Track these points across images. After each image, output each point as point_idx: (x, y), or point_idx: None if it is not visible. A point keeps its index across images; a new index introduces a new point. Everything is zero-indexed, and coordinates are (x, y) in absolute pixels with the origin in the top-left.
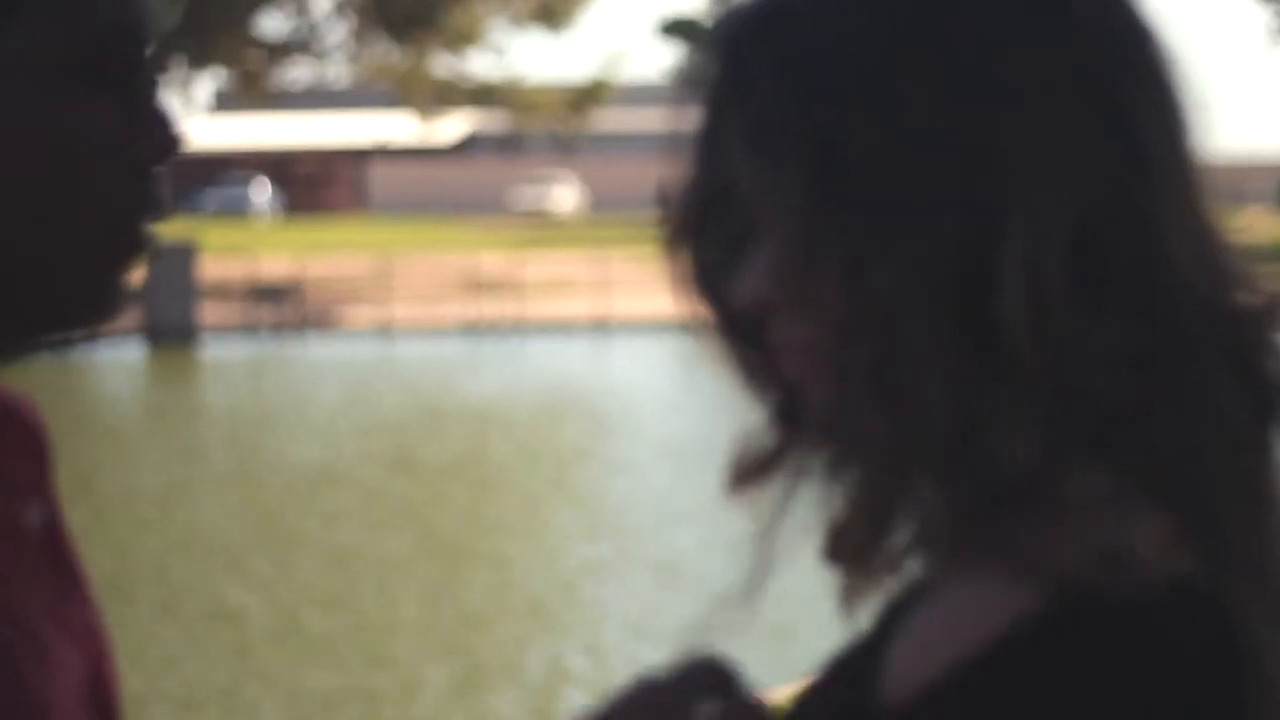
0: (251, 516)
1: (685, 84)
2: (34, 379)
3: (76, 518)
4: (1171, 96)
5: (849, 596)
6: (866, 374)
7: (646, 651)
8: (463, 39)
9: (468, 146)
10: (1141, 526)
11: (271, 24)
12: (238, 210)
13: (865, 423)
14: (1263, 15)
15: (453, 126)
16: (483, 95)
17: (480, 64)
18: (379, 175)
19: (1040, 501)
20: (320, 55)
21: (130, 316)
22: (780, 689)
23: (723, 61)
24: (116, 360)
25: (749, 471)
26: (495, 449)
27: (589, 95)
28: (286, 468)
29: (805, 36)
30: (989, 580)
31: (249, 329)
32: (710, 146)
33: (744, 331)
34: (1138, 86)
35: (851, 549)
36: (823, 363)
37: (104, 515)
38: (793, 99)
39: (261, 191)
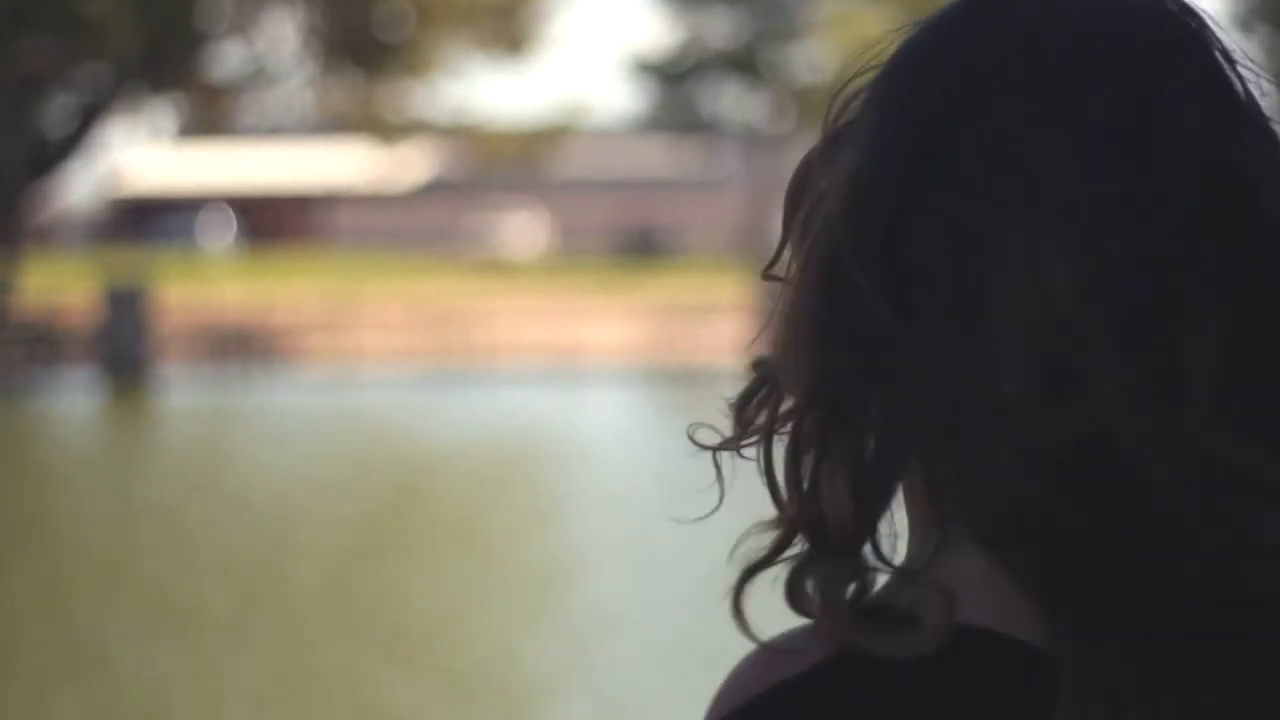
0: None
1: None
2: None
3: (22, 559)
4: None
5: None
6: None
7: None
8: (426, 67)
9: (432, 186)
10: (941, 582)
11: (234, 55)
12: (198, 243)
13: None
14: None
15: (415, 165)
16: (446, 128)
17: (444, 95)
18: (342, 208)
19: (846, 556)
20: (283, 87)
21: (88, 355)
22: None
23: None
24: (71, 401)
25: (755, 571)
26: (419, 505)
27: (550, 137)
28: (203, 517)
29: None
30: (800, 631)
31: (207, 366)
32: None
33: None
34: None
35: None
36: None
37: (48, 556)
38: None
39: (223, 224)
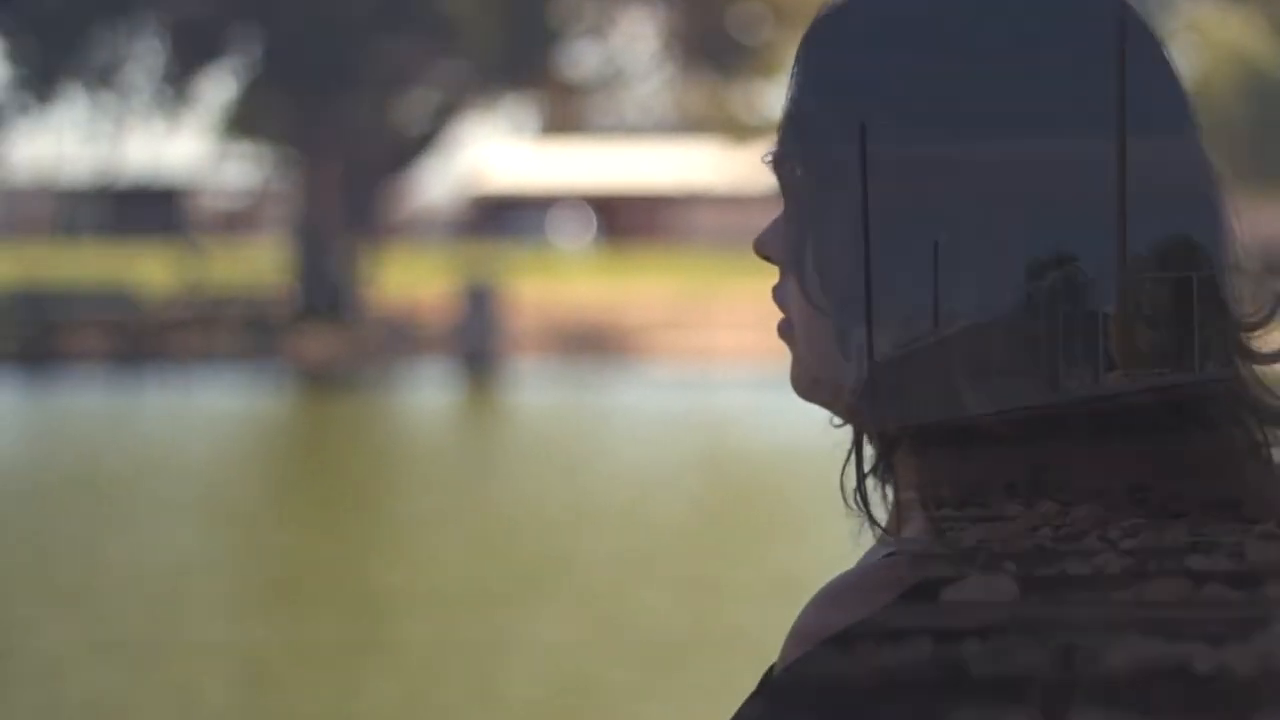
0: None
1: None
2: (343, 411)
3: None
4: None
5: None
6: None
7: None
8: (781, 69)
9: None
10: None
11: (592, 54)
12: (553, 240)
13: None
14: None
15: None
16: None
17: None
18: (698, 208)
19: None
20: (640, 87)
21: (443, 349)
22: None
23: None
24: (426, 394)
25: None
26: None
27: None
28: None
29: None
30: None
31: (559, 363)
32: None
33: None
34: None
35: None
36: None
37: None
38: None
39: (580, 221)
